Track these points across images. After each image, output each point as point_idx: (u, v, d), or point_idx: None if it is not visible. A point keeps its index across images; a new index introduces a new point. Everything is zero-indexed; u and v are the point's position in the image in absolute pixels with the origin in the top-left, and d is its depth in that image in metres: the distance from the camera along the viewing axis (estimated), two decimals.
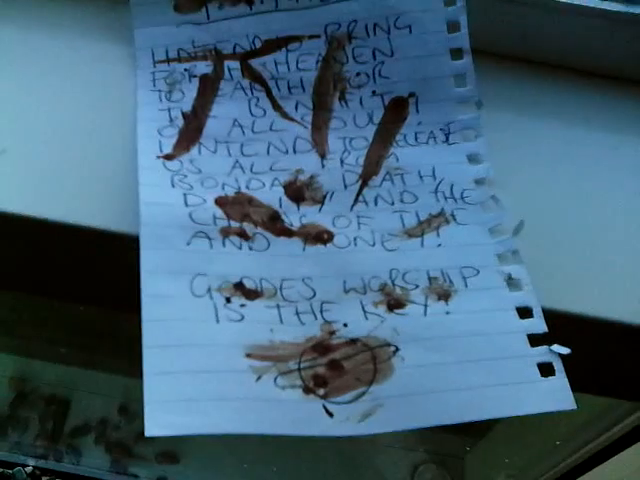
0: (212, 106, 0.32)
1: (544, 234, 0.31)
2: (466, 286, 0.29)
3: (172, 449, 0.86)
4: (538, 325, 0.28)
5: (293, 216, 0.30)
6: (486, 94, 0.33)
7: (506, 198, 0.31)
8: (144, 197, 0.28)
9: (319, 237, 0.30)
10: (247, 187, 0.30)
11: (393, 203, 0.31)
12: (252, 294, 0.28)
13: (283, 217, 0.30)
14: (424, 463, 0.80)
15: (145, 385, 0.24)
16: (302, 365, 0.26)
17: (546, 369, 0.27)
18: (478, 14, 0.33)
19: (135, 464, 0.89)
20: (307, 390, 0.26)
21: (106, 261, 0.31)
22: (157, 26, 0.33)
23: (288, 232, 0.30)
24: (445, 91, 0.33)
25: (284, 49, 0.33)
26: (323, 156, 0.32)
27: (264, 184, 0.31)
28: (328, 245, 0.30)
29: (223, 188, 0.30)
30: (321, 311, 0.28)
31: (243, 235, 0.29)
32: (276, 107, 0.33)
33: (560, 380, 0.27)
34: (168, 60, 0.33)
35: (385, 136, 0.32)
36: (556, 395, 0.27)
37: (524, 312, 0.29)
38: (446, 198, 0.31)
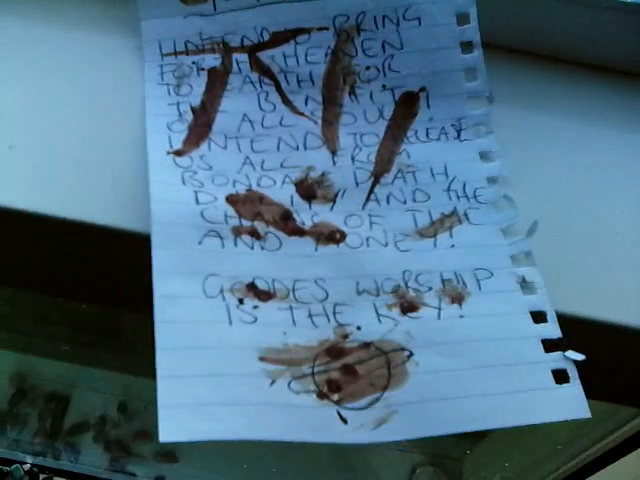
0: (221, 100, 0.31)
1: (556, 235, 0.31)
2: (480, 289, 0.29)
3: (171, 448, 0.86)
4: (552, 330, 0.28)
5: (305, 215, 0.29)
6: (496, 89, 0.32)
7: (518, 196, 0.30)
8: (155, 195, 0.28)
9: (331, 237, 0.29)
10: (258, 184, 0.30)
11: (405, 202, 0.30)
12: (265, 295, 0.27)
13: (295, 216, 0.29)
14: (422, 465, 0.80)
15: (159, 388, 0.24)
16: (316, 369, 0.26)
17: (560, 376, 0.27)
18: (487, 6, 0.32)
19: (133, 463, 0.89)
20: (321, 395, 0.25)
21: (116, 259, 0.30)
22: (164, 18, 0.32)
23: (300, 231, 0.29)
24: (456, 85, 0.32)
25: (293, 42, 0.32)
26: (334, 152, 0.31)
27: (275, 182, 0.30)
28: (340, 245, 0.29)
29: (234, 185, 0.29)
30: (334, 313, 0.27)
31: (255, 234, 0.28)
32: (286, 101, 0.32)
33: (575, 388, 0.27)
34: (176, 53, 0.32)
35: (396, 132, 0.32)
36: (571, 403, 0.26)
37: (538, 316, 0.28)
38: (459, 197, 0.31)
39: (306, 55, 0.32)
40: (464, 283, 0.29)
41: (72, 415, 0.87)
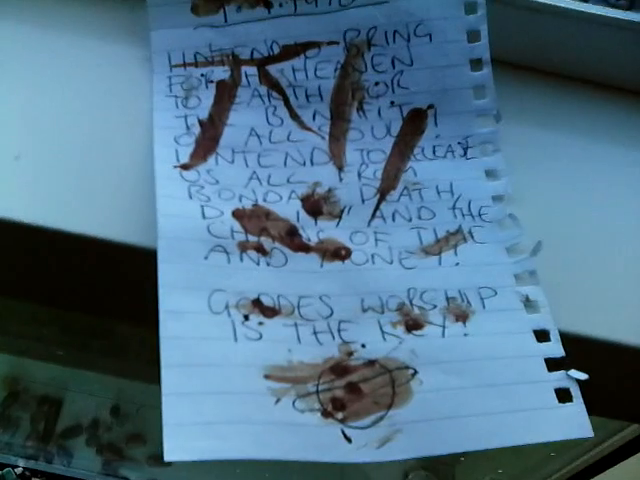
0: (229, 114, 0.31)
1: (561, 254, 0.31)
2: (484, 307, 0.29)
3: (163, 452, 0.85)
4: (555, 349, 0.28)
5: (311, 231, 0.29)
6: (503, 106, 0.32)
7: (523, 215, 0.31)
8: (162, 209, 0.28)
9: (337, 253, 0.29)
10: (264, 200, 0.30)
11: (411, 219, 0.30)
12: (270, 311, 0.27)
13: (301, 232, 0.29)
14: (414, 470, 0.79)
15: (164, 406, 0.24)
16: (320, 387, 0.26)
17: (563, 395, 0.27)
18: (496, 23, 0.32)
19: (126, 466, 0.88)
20: (326, 414, 0.25)
21: (121, 273, 0.30)
22: (174, 28, 0.32)
23: (306, 248, 0.29)
24: (464, 103, 0.32)
25: (302, 55, 0.32)
26: (341, 168, 0.31)
27: (281, 197, 0.30)
28: (346, 262, 0.29)
29: (240, 200, 0.29)
30: (339, 330, 0.27)
31: (261, 250, 0.28)
32: (294, 116, 0.32)
33: (578, 407, 0.27)
34: (185, 64, 0.32)
35: (403, 149, 0.32)
36: (573, 422, 0.27)
37: (541, 335, 0.28)
38: (464, 215, 0.31)
39: (315, 69, 0.32)
40: (468, 301, 0.29)
41: (65, 418, 0.86)
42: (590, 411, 0.27)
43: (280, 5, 0.32)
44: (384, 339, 0.27)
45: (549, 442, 0.26)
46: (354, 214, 0.30)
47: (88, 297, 0.32)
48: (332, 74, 0.32)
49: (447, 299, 0.29)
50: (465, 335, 0.28)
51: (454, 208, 0.31)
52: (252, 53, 0.32)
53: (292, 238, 0.29)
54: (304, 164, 0.31)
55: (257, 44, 0.32)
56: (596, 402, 0.27)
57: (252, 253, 0.28)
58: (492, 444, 0.26)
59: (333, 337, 0.27)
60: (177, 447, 0.23)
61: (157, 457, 0.86)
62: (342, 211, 0.30)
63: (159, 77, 0.32)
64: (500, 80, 0.32)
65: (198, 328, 0.26)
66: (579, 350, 0.28)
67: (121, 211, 0.29)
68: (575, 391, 0.27)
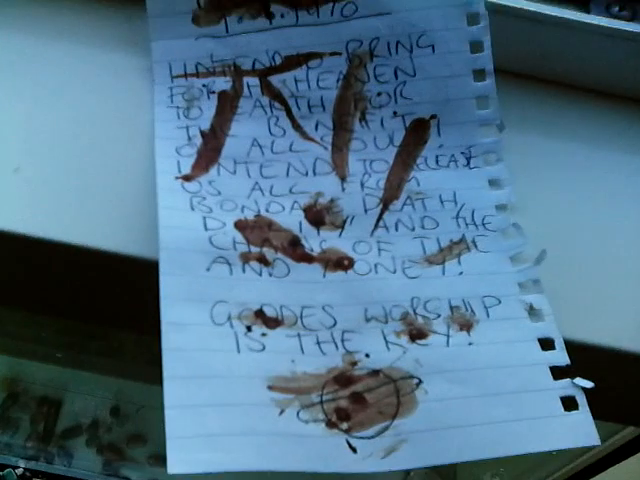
0: (231, 125, 0.31)
1: (565, 262, 0.31)
2: (488, 316, 0.29)
3: (164, 452, 0.85)
4: (560, 357, 0.28)
5: (313, 241, 0.29)
6: (506, 115, 0.32)
7: (527, 224, 0.31)
8: (163, 220, 0.28)
9: (339, 263, 0.29)
10: (267, 210, 0.30)
11: (414, 229, 0.30)
12: (273, 322, 0.27)
13: (303, 242, 0.29)
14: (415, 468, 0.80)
15: (167, 419, 0.24)
16: (324, 398, 0.26)
17: (569, 403, 0.27)
18: (498, 33, 0.32)
19: (127, 466, 0.89)
20: (330, 424, 0.25)
21: (123, 284, 0.30)
22: (175, 39, 0.32)
23: (308, 258, 0.29)
24: (467, 113, 0.32)
25: (304, 66, 0.32)
26: (343, 179, 0.31)
27: (284, 207, 0.30)
28: (349, 272, 0.29)
29: (242, 211, 0.29)
30: (342, 340, 0.27)
31: (263, 261, 0.28)
32: (296, 127, 0.32)
33: (584, 415, 0.27)
34: (186, 75, 0.32)
35: (406, 159, 0.32)
36: (580, 430, 0.27)
37: (546, 343, 0.28)
38: (467, 224, 0.31)
39: (318, 80, 0.32)
40: (472, 310, 0.29)
41: (64, 419, 0.86)
42: (594, 416, 0.27)
43: (282, 16, 0.32)
44: (388, 349, 0.28)
45: (554, 450, 0.27)
46: (357, 224, 0.30)
47: (89, 308, 0.32)
48: (334, 85, 0.32)
49: (451, 308, 0.29)
50: (469, 344, 0.28)
51: (457, 217, 0.31)
52: (254, 64, 0.32)
53: (295, 248, 0.29)
54: (306, 174, 0.31)
55: (259, 55, 0.32)
56: (601, 407, 0.27)
57: (254, 264, 0.28)
58: (498, 453, 0.26)
59: (337, 347, 0.27)
60: (180, 460, 0.23)
61: (158, 457, 0.86)
62: (345, 221, 0.30)
63: (160, 88, 0.32)
64: (502, 89, 0.32)
65: (200, 340, 0.26)
66: (584, 358, 0.28)
67: (122, 222, 0.29)
68: (581, 399, 0.27)
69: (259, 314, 0.27)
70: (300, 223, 0.30)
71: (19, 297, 0.33)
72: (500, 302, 0.29)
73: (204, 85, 0.32)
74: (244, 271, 0.28)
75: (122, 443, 0.87)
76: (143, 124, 0.31)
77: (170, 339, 0.25)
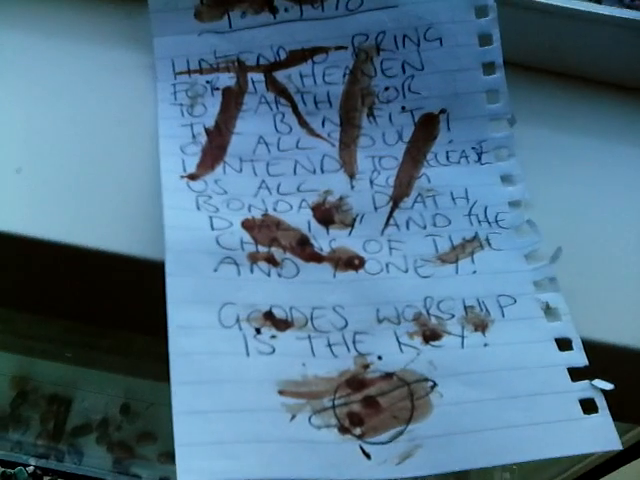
0: (236, 122, 0.31)
1: (581, 260, 0.30)
2: (503, 316, 0.28)
3: (174, 450, 0.85)
4: (578, 358, 0.27)
5: (322, 240, 0.29)
6: (516, 109, 0.32)
7: (542, 220, 0.30)
8: (169, 221, 0.27)
9: (350, 263, 0.28)
10: (274, 209, 0.29)
11: (425, 227, 0.30)
12: (282, 324, 0.26)
13: (312, 241, 0.29)
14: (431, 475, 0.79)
15: (175, 426, 0.23)
16: (337, 402, 0.25)
17: (588, 405, 0.26)
18: (507, 25, 0.31)
19: (137, 464, 0.88)
20: (343, 430, 0.25)
21: (127, 285, 0.30)
22: (177, 35, 0.31)
23: (318, 257, 0.28)
24: (477, 108, 0.32)
25: (310, 61, 0.32)
26: (352, 176, 0.30)
27: (292, 206, 0.29)
28: (359, 271, 0.28)
29: (249, 210, 0.29)
30: (354, 342, 0.27)
31: (272, 261, 0.28)
32: (302, 123, 0.31)
33: (604, 418, 0.26)
34: (189, 71, 0.31)
35: (416, 155, 0.31)
36: (600, 434, 0.26)
37: (563, 343, 0.28)
38: (480, 222, 0.30)
39: (324, 75, 0.31)
40: (487, 310, 0.28)
41: (74, 417, 0.86)
42: (613, 417, 0.26)
43: (286, 10, 0.31)
44: (401, 350, 0.27)
45: (574, 454, 0.26)
46: (367, 222, 0.30)
47: (93, 310, 0.32)
48: (341, 79, 0.32)
49: (465, 308, 0.28)
50: (485, 345, 0.27)
51: (470, 215, 0.30)
52: (258, 59, 0.31)
53: (303, 248, 0.28)
54: (314, 172, 0.30)
55: (263, 50, 0.31)
56: (619, 408, 0.26)
57: (263, 264, 0.27)
58: (515, 458, 0.25)
59: (348, 349, 0.26)
60: (191, 468, 0.23)
61: (168, 455, 0.86)
62: (354, 219, 0.30)
63: (163, 85, 0.31)
64: (512, 83, 0.31)
65: (209, 343, 0.25)
66: (602, 358, 0.28)
67: (126, 223, 0.28)
68: (600, 401, 0.26)
69: (268, 316, 0.26)
70: (309, 222, 0.29)
71: (22, 299, 0.32)
72: (515, 301, 0.28)
73: (208, 81, 0.31)
74: (252, 272, 0.27)
75: (132, 441, 0.87)
76: (146, 122, 0.30)
77: (178, 343, 0.25)
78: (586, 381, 0.27)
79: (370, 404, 0.25)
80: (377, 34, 0.32)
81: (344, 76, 0.32)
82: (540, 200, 0.31)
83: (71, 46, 0.32)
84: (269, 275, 0.27)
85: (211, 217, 0.28)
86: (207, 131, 0.30)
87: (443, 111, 0.32)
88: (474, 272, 0.29)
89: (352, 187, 0.30)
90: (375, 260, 0.29)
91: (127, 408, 0.86)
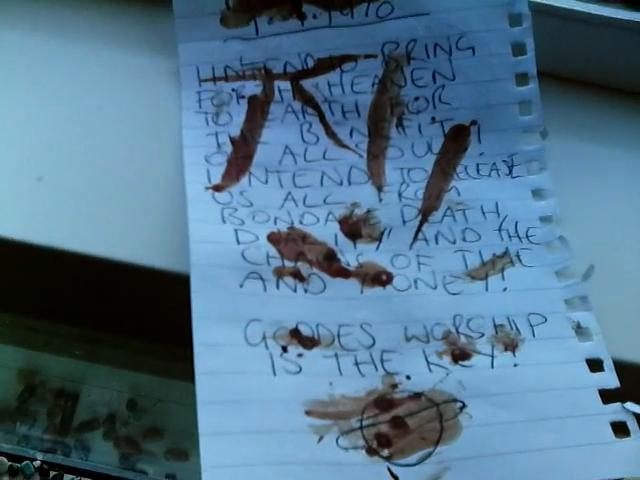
0: (262, 131, 0.30)
1: (613, 278, 0.30)
2: (534, 335, 0.27)
3: (182, 446, 0.85)
4: (610, 379, 0.27)
5: (349, 254, 0.28)
6: (548, 121, 0.31)
7: (573, 237, 0.29)
8: (194, 234, 0.26)
9: (377, 278, 0.28)
10: (300, 222, 0.28)
11: (455, 241, 0.29)
12: (309, 342, 0.26)
13: (339, 256, 0.28)
14: None
15: (202, 447, 0.23)
16: (364, 423, 0.25)
17: (619, 429, 0.26)
18: (541, 34, 0.31)
19: (144, 460, 0.88)
20: (370, 451, 0.24)
21: (149, 297, 0.29)
22: (203, 41, 0.31)
23: (345, 272, 0.28)
24: (509, 119, 0.31)
25: (338, 69, 0.31)
26: (380, 188, 0.30)
27: (318, 219, 0.29)
28: (387, 287, 0.28)
29: (275, 223, 0.28)
30: (382, 361, 0.26)
31: (298, 276, 0.27)
32: (330, 133, 0.30)
33: (635, 442, 0.26)
34: (215, 79, 0.31)
35: (445, 167, 0.31)
36: (631, 458, 0.25)
37: (594, 364, 0.27)
38: (510, 237, 0.29)
39: (352, 84, 0.31)
40: (517, 329, 0.27)
41: (81, 412, 0.86)
42: None
43: (314, 17, 0.31)
44: (430, 370, 0.26)
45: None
46: (395, 236, 0.29)
47: (113, 320, 0.31)
48: (370, 89, 0.31)
49: (495, 327, 0.27)
50: (515, 365, 0.27)
51: (500, 229, 0.30)
52: (285, 67, 0.31)
53: (330, 263, 0.28)
54: (341, 184, 0.30)
55: (290, 57, 0.31)
56: None
57: (289, 280, 0.27)
58: None
59: (376, 368, 0.26)
60: None
61: (175, 451, 0.86)
62: (382, 233, 0.29)
63: (188, 92, 0.30)
64: (546, 94, 0.31)
65: (235, 362, 0.25)
66: (634, 380, 0.27)
67: (149, 234, 0.28)
68: (632, 425, 0.26)
69: (294, 333, 0.26)
70: (335, 235, 0.28)
71: (44, 309, 0.32)
72: (546, 320, 0.28)
73: (233, 89, 0.30)
74: (278, 287, 0.27)
75: (139, 437, 0.87)
76: (170, 130, 0.30)
77: (203, 362, 0.24)
78: (617, 403, 0.26)
79: (398, 425, 0.25)
80: (408, 42, 0.31)
81: (373, 85, 0.31)
82: (572, 215, 0.30)
83: (95, 52, 0.32)
84: (295, 291, 0.27)
85: (237, 230, 0.27)
86: (232, 140, 0.30)
87: (474, 122, 0.31)
88: (504, 289, 0.28)
89: (380, 200, 0.30)
90: (403, 276, 0.28)
91: (134, 404, 0.86)
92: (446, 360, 0.27)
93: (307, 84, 0.31)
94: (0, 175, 0.28)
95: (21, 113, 0.30)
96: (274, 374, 0.25)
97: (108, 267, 0.28)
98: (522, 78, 0.31)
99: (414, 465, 0.24)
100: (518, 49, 0.31)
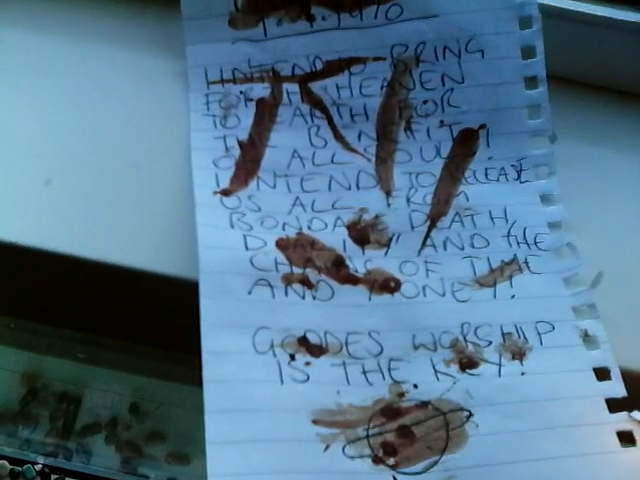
0: (270, 134, 0.30)
1: (622, 286, 0.29)
2: (541, 343, 0.27)
3: (183, 450, 0.85)
4: (617, 388, 0.27)
5: (358, 261, 0.28)
6: (557, 125, 0.31)
7: (582, 244, 0.29)
8: (203, 240, 0.26)
9: (386, 285, 0.28)
10: (309, 227, 0.28)
11: (463, 248, 0.29)
12: (317, 350, 0.26)
13: (347, 262, 0.28)
14: None
15: (208, 456, 0.23)
16: (371, 432, 0.25)
17: (626, 438, 0.26)
18: (551, 37, 0.31)
19: (145, 464, 0.88)
20: (376, 460, 0.24)
21: (157, 302, 0.29)
22: (211, 43, 0.30)
23: (353, 279, 0.27)
24: (518, 123, 0.31)
25: (347, 72, 0.31)
26: (388, 193, 0.30)
27: (326, 224, 0.28)
28: (395, 294, 0.27)
29: (284, 228, 0.28)
30: (389, 369, 0.26)
31: (306, 283, 0.27)
32: (338, 137, 0.30)
33: None
34: (223, 81, 0.30)
35: (454, 172, 0.30)
36: (638, 468, 0.25)
37: (601, 373, 0.27)
38: (519, 243, 0.29)
39: (361, 87, 0.31)
40: (525, 337, 0.27)
41: (83, 416, 0.86)
42: None
43: (323, 18, 0.30)
44: (437, 379, 0.26)
45: None
46: (403, 242, 0.29)
47: (121, 325, 0.31)
48: (378, 92, 0.31)
49: (503, 335, 0.27)
50: (522, 374, 0.26)
51: (509, 236, 0.29)
52: (293, 69, 0.31)
53: (338, 269, 0.28)
54: (349, 188, 0.29)
55: (299, 59, 0.31)
56: None
57: (297, 286, 0.27)
58: None
59: (383, 377, 0.26)
60: None
61: (176, 455, 0.85)
62: (390, 239, 0.29)
63: (196, 95, 0.30)
64: (554, 97, 0.31)
65: (243, 370, 0.24)
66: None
67: (156, 237, 0.28)
68: (639, 434, 0.26)
69: (302, 341, 0.26)
70: (344, 241, 0.28)
71: (50, 313, 0.32)
72: (554, 328, 0.28)
73: (241, 92, 0.30)
74: (287, 294, 0.26)
75: (141, 441, 0.87)
76: (178, 133, 0.30)
77: (212, 370, 0.24)
78: (624, 413, 0.26)
79: (404, 434, 0.25)
80: (417, 45, 0.31)
81: (382, 88, 0.31)
82: (580, 221, 0.30)
83: (102, 54, 0.31)
84: (303, 298, 0.27)
85: (245, 236, 0.27)
86: (240, 144, 0.29)
87: (483, 126, 0.31)
88: (512, 297, 0.28)
89: (388, 205, 0.29)
90: (411, 283, 0.28)
91: (136, 408, 0.85)
92: (453, 369, 0.26)
93: (315, 87, 0.31)
94: (7, 179, 0.28)
95: (29, 116, 0.30)
96: (282, 383, 0.25)
97: (115, 272, 0.27)
98: (531, 81, 0.30)
99: (420, 474, 0.24)
100: (527, 52, 0.30)
